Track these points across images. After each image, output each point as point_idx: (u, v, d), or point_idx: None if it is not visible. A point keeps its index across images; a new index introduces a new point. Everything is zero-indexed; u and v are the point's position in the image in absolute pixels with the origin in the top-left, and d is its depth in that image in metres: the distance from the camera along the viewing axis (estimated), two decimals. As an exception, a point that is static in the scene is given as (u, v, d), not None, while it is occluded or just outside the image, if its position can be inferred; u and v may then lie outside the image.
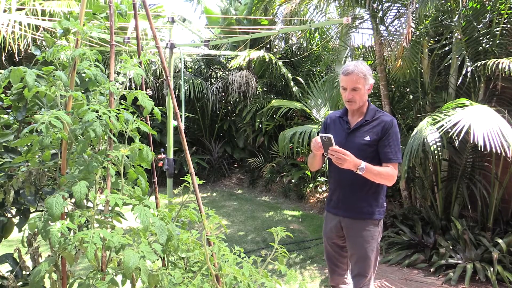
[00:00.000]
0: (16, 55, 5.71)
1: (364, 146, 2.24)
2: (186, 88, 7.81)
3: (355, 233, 2.31)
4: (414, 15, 4.27)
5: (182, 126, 1.80)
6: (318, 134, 2.29)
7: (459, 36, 4.21)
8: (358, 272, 2.34)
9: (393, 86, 5.41)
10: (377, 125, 2.26)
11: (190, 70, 8.93)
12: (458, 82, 4.35)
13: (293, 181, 6.90)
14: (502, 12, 4.01)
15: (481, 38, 4.14)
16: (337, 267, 2.50)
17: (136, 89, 1.62)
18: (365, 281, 2.34)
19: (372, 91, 6.04)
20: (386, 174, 2.19)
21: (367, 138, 2.25)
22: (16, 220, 1.79)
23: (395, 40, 4.53)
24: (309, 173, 6.92)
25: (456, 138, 4.10)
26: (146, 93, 1.60)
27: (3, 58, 6.07)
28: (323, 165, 2.72)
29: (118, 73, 1.73)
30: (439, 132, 3.60)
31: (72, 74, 1.56)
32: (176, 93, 7.71)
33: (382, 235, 2.39)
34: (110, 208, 1.53)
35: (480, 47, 4.15)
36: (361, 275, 2.33)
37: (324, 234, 2.53)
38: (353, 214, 2.32)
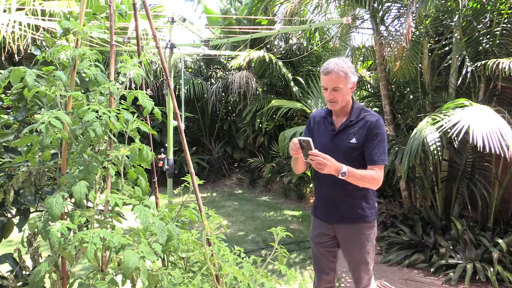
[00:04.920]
0: (16, 55, 5.71)
1: (350, 149, 2.14)
2: (186, 88, 7.81)
3: (351, 238, 2.25)
4: (414, 15, 4.26)
5: (182, 126, 1.80)
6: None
7: (459, 36, 4.21)
8: (358, 275, 2.31)
9: (393, 86, 5.41)
10: (363, 126, 2.15)
11: (190, 70, 8.93)
12: (458, 82, 4.35)
13: (293, 181, 6.90)
14: (502, 12, 4.01)
15: (481, 38, 4.14)
16: (326, 274, 2.41)
17: (136, 89, 1.62)
18: (365, 282, 2.33)
19: (372, 91, 6.07)
20: (370, 177, 2.07)
21: (353, 140, 2.14)
22: (16, 220, 1.79)
23: (395, 40, 4.53)
24: (309, 173, 6.91)
25: (455, 138, 4.10)
26: (146, 93, 1.60)
27: (3, 58, 6.07)
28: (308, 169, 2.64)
29: (118, 73, 1.73)
30: (439, 132, 3.60)
31: (72, 74, 1.56)
32: (176, 93, 7.70)
33: (377, 235, 2.34)
34: (110, 208, 1.53)
35: (480, 47, 4.15)
36: (361, 277, 2.32)
37: (312, 240, 2.42)
38: (345, 219, 2.23)
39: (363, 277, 2.32)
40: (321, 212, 2.34)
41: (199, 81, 8.03)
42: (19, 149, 1.82)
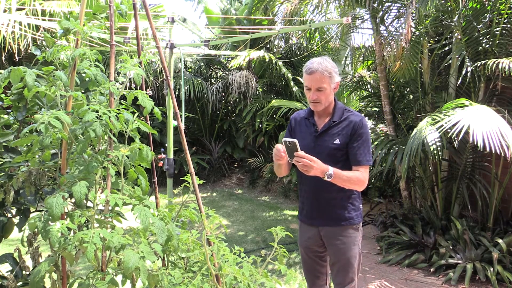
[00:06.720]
0: (16, 55, 5.71)
1: (334, 150, 2.09)
2: (186, 88, 7.81)
3: (336, 241, 2.18)
4: (414, 15, 4.26)
5: (182, 126, 1.80)
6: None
7: (459, 36, 4.21)
8: (343, 280, 2.23)
9: (393, 86, 5.41)
10: (346, 126, 2.10)
11: (190, 70, 8.93)
12: (458, 82, 4.35)
13: (293, 181, 6.90)
14: (502, 12, 4.01)
15: (481, 38, 4.14)
16: (317, 278, 2.35)
17: (136, 89, 1.62)
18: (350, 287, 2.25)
19: (372, 91, 6.06)
20: (356, 179, 2.03)
21: (337, 141, 2.10)
22: (16, 220, 1.79)
23: (395, 40, 4.53)
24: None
25: (455, 138, 4.10)
26: (146, 93, 1.60)
27: (3, 58, 6.07)
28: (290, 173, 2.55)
29: (118, 73, 1.73)
30: (439, 132, 3.60)
31: (72, 74, 1.56)
32: (176, 93, 7.71)
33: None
34: (110, 208, 1.53)
35: (480, 47, 4.15)
36: (345, 283, 2.23)
37: (300, 245, 2.36)
38: (331, 222, 2.18)
39: (347, 282, 2.21)
40: (305, 215, 2.29)
41: (199, 81, 8.03)
42: (19, 149, 1.82)
